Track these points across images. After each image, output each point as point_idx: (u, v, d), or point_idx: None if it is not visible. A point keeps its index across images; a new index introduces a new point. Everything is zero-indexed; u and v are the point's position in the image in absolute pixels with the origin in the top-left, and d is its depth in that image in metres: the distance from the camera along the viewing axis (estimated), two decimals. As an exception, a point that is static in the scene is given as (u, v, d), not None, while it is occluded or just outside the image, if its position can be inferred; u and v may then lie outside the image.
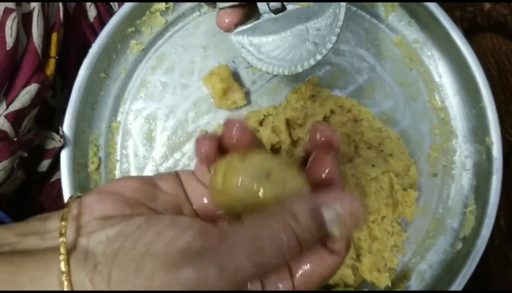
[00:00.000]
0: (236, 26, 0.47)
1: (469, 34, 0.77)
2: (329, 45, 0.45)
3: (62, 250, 0.30)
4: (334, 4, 0.45)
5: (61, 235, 0.31)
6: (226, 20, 0.47)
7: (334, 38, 0.45)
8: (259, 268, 0.29)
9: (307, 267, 0.33)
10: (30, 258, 0.31)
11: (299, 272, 0.33)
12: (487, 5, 0.76)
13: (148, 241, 0.30)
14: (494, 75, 0.73)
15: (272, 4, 0.45)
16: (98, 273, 0.30)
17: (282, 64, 0.48)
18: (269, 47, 0.48)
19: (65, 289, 0.30)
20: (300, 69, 0.47)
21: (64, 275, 0.30)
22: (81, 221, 0.33)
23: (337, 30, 0.45)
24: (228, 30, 0.47)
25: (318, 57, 0.46)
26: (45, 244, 0.32)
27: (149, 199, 0.35)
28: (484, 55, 0.74)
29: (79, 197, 0.35)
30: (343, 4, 0.44)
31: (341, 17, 0.44)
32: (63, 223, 0.32)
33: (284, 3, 0.45)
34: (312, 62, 0.46)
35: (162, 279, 0.28)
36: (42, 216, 0.35)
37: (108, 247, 0.30)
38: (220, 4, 0.46)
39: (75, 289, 0.30)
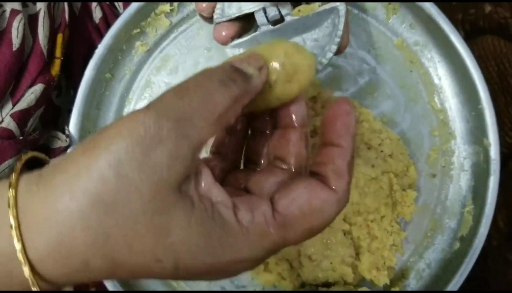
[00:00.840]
0: (233, 39, 0.47)
1: (470, 36, 0.78)
2: (329, 55, 0.45)
3: (11, 201, 0.29)
4: (333, 14, 0.45)
5: (11, 185, 0.29)
6: (223, 34, 0.47)
7: (334, 48, 0.45)
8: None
9: (293, 192, 0.32)
10: None
11: (283, 196, 0.32)
12: (488, 8, 0.77)
13: None
14: (494, 78, 0.74)
15: (271, 15, 0.45)
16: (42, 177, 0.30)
17: None
18: None
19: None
20: None
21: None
22: None
23: (337, 40, 0.45)
24: (225, 43, 0.48)
25: (319, 67, 0.46)
26: None
27: None
28: (485, 57, 0.74)
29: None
30: (342, 14, 0.44)
31: (341, 26, 0.45)
32: (14, 175, 0.30)
33: (283, 14, 0.45)
34: None
35: None
36: None
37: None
38: (217, 19, 0.46)
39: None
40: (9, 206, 0.28)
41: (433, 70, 0.63)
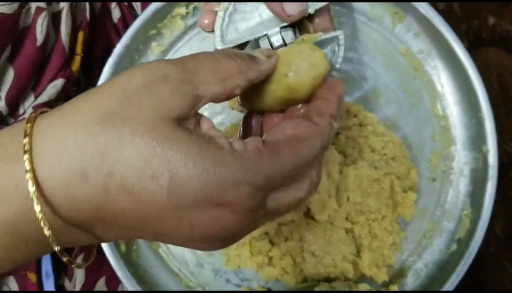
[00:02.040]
0: None
1: (474, 47, 0.80)
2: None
3: (27, 166, 0.29)
4: (333, 42, 0.45)
5: (25, 152, 0.30)
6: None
7: (334, 73, 0.47)
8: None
9: (281, 126, 0.35)
10: None
11: (272, 131, 0.35)
12: (492, 20, 0.79)
13: None
14: (495, 89, 0.76)
15: (275, 43, 0.46)
16: None
17: None
18: None
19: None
20: None
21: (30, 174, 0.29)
22: None
23: (338, 66, 0.45)
24: None
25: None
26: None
27: None
28: (487, 68, 0.77)
29: (44, 111, 0.33)
30: (342, 42, 0.45)
31: (341, 53, 0.45)
32: (26, 140, 0.30)
33: (286, 42, 0.45)
34: None
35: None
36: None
37: None
38: (218, 45, 0.46)
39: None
40: (24, 151, 0.30)
41: (436, 77, 0.65)
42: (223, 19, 0.46)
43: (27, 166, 0.29)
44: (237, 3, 0.46)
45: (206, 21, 0.48)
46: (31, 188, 0.29)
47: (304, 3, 0.45)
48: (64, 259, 0.32)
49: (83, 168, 0.29)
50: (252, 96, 0.41)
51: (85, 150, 0.30)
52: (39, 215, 0.29)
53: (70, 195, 0.30)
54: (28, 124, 0.31)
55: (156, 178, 0.29)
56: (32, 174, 0.29)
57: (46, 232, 0.30)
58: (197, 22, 0.51)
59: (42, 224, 0.30)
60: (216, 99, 0.34)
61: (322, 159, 0.38)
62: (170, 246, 0.63)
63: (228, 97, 0.35)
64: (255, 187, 0.31)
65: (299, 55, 0.39)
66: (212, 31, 0.48)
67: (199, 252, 0.63)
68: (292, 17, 0.44)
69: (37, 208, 0.29)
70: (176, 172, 0.29)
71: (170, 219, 0.31)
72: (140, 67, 0.32)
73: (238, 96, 0.41)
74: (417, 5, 0.62)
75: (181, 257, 0.63)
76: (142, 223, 0.31)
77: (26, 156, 0.29)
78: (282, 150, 0.33)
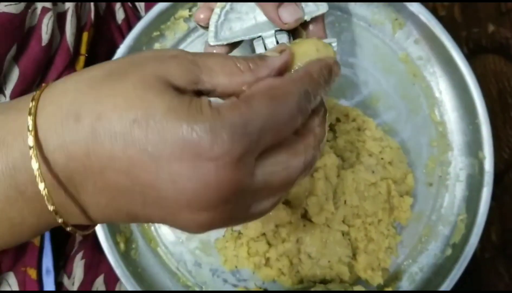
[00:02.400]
0: None
1: (473, 54, 0.80)
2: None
3: (30, 142, 0.30)
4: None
5: (30, 131, 0.31)
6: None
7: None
8: None
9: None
10: None
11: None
12: (491, 28, 0.80)
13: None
14: (494, 96, 0.76)
15: (269, 45, 0.46)
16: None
17: None
18: None
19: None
20: None
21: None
22: None
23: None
24: None
25: None
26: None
27: None
28: (486, 75, 0.77)
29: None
30: (335, 49, 0.43)
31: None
32: (30, 118, 0.31)
33: (279, 43, 0.46)
34: None
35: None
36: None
37: None
38: (210, 41, 0.47)
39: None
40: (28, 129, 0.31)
41: (434, 84, 0.65)
42: (219, 16, 0.46)
43: (30, 124, 0.31)
44: (235, 3, 0.46)
45: (202, 16, 0.48)
46: (32, 144, 0.30)
47: (301, 11, 0.45)
48: (60, 220, 0.33)
49: (77, 110, 0.31)
50: None
51: (82, 95, 0.31)
52: (36, 173, 0.30)
53: (63, 141, 0.31)
54: (37, 92, 0.32)
55: (138, 123, 0.30)
56: (34, 133, 0.31)
57: (42, 191, 0.31)
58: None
59: (38, 180, 0.31)
60: (221, 92, 0.34)
61: (317, 123, 0.37)
62: (169, 245, 0.63)
63: (235, 93, 0.34)
64: (232, 138, 0.30)
65: (314, 45, 0.38)
66: (207, 27, 0.48)
67: (197, 251, 0.63)
68: (288, 24, 0.44)
69: (35, 165, 0.30)
70: (154, 120, 0.30)
71: (151, 171, 0.30)
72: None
73: None
74: (417, 12, 0.62)
75: (179, 256, 0.64)
76: (128, 179, 0.31)
77: (30, 117, 0.31)
78: (256, 98, 0.32)
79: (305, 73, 0.36)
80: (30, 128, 0.30)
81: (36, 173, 0.30)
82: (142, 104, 0.30)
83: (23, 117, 0.31)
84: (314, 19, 0.48)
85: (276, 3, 0.45)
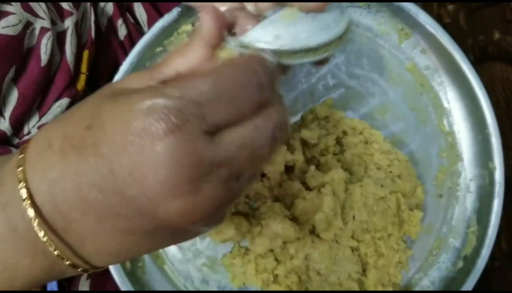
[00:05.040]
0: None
1: (479, 61, 0.79)
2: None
3: (23, 194, 0.31)
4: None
5: (20, 181, 0.31)
6: None
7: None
8: None
9: None
10: None
11: None
12: (497, 35, 0.79)
13: None
14: (501, 103, 0.76)
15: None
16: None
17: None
18: None
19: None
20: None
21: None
22: None
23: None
24: None
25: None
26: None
27: None
28: (493, 83, 0.76)
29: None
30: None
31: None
32: (19, 169, 0.31)
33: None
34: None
35: None
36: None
37: None
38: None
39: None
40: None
41: (442, 94, 0.65)
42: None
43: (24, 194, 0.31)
44: None
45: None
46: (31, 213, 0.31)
47: None
48: (67, 263, 0.33)
49: (49, 139, 0.32)
50: None
51: (54, 129, 0.33)
52: (44, 239, 0.31)
53: (49, 178, 0.31)
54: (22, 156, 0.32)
55: (90, 128, 0.31)
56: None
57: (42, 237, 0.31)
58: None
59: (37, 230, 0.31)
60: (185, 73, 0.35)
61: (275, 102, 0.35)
62: (176, 262, 0.63)
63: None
64: (168, 113, 0.29)
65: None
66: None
67: (204, 268, 0.62)
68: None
69: (41, 233, 0.31)
70: (100, 120, 0.31)
71: (111, 175, 0.30)
72: None
73: None
74: (424, 22, 0.62)
75: (186, 274, 0.63)
76: (101, 194, 0.30)
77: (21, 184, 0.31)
78: (168, 60, 0.34)
79: (241, 58, 0.34)
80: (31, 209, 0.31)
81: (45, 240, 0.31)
82: (95, 111, 0.31)
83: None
84: None
85: None
